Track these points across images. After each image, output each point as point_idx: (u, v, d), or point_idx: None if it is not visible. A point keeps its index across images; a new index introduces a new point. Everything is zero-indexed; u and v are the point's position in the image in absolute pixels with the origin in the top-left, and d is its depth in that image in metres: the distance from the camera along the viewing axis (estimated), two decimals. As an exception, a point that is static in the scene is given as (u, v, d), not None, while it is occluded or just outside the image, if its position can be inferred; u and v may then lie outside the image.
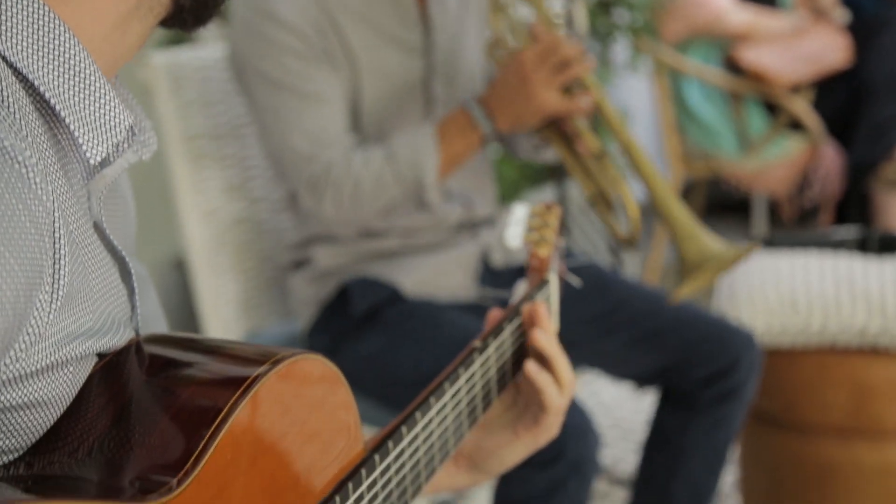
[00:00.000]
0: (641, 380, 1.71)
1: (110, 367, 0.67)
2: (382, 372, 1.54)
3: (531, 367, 0.94)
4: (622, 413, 2.82)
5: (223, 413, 0.64)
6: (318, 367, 0.72)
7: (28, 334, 0.57)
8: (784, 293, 1.94)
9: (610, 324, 1.67)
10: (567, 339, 1.65)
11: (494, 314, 0.99)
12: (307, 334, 1.65)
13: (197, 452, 0.62)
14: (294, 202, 1.63)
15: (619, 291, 1.70)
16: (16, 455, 0.61)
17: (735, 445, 2.12)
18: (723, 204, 4.57)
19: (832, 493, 1.94)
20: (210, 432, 0.63)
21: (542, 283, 1.04)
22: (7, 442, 0.61)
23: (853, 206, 2.78)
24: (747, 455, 2.10)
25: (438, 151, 1.53)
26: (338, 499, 0.74)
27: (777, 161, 2.87)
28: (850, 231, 2.09)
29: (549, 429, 0.96)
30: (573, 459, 1.42)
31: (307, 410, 0.71)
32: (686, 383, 1.65)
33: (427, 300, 1.59)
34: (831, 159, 2.79)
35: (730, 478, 2.41)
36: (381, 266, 1.61)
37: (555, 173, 2.90)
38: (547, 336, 0.96)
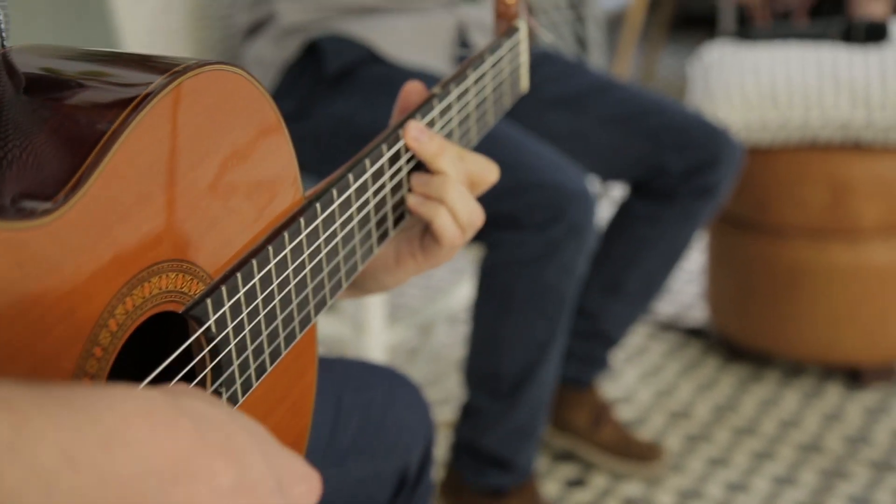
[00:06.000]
0: (615, 172, 1.59)
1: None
2: (357, 132, 1.37)
3: (412, 200, 0.74)
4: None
5: (115, 126, 0.50)
6: (242, 85, 0.58)
7: None
8: (763, 86, 1.81)
9: (582, 104, 1.54)
10: (535, 120, 1.53)
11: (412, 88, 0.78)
12: None
13: (82, 171, 0.48)
14: None
15: (593, 77, 1.56)
16: None
17: (700, 250, 2.04)
18: (689, 17, 4.42)
19: (803, 294, 1.87)
20: (99, 149, 0.49)
21: (510, 30, 0.90)
22: None
23: (828, 8, 2.63)
24: (716, 262, 2.02)
25: None
26: (271, 249, 0.61)
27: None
28: (832, 22, 1.95)
29: (439, 260, 0.77)
30: (573, 222, 1.33)
31: (226, 134, 0.58)
32: (663, 175, 1.54)
33: (405, 66, 1.45)
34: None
35: (694, 288, 2.34)
36: (352, 23, 1.45)
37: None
38: (440, 156, 0.74)
